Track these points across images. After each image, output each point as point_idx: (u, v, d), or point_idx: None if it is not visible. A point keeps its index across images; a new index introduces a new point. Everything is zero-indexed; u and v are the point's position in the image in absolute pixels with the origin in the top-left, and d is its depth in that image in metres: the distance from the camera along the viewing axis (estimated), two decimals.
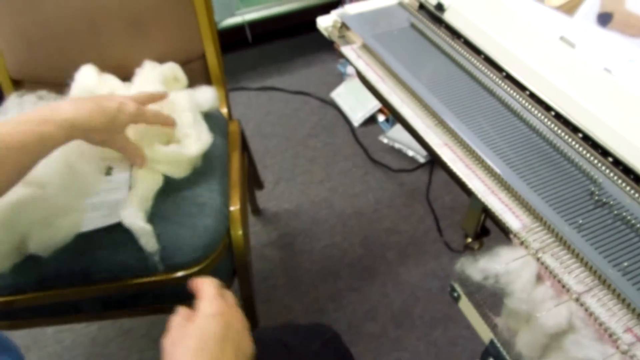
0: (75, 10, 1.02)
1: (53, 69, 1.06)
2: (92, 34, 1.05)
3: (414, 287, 1.36)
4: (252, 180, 1.42)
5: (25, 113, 0.68)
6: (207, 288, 0.59)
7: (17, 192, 0.73)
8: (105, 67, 1.07)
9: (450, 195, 1.57)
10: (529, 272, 0.50)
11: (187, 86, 1.01)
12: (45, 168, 0.73)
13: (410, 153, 1.66)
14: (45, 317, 0.95)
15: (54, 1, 1.01)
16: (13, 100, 0.90)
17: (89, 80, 0.95)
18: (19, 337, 1.27)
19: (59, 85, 1.03)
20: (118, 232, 0.81)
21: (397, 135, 1.71)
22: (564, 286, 0.48)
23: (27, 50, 1.05)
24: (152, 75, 0.95)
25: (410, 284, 1.37)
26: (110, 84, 0.98)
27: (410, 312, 1.31)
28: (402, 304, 1.33)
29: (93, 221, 0.80)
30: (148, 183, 0.84)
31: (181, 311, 0.57)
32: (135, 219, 0.78)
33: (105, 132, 0.75)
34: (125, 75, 1.06)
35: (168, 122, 0.86)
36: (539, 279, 0.50)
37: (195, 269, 0.84)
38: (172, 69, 0.99)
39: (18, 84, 1.08)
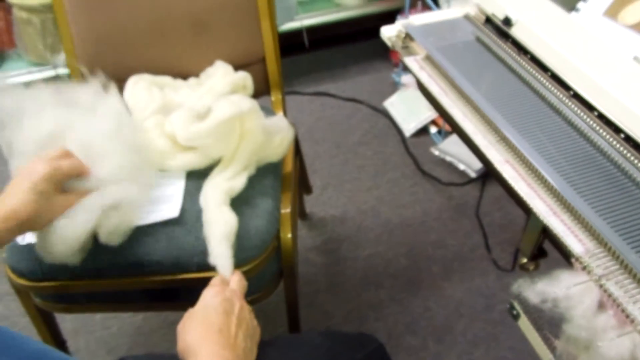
0: (144, 10, 1.05)
1: (119, 65, 1.10)
2: (158, 33, 1.08)
3: (457, 303, 1.33)
4: (301, 185, 1.43)
5: None
6: (210, 282, 0.73)
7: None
8: (167, 65, 1.10)
9: (501, 212, 1.53)
10: (591, 299, 0.49)
11: (251, 94, 1.04)
12: (112, 167, 0.76)
13: (462, 167, 1.64)
14: (96, 303, 0.98)
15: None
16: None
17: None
18: (70, 320, 1.32)
19: (123, 80, 1.07)
20: (174, 227, 0.83)
21: (448, 148, 1.69)
22: (628, 316, 0.46)
23: (96, 44, 1.09)
24: (223, 82, 0.98)
25: (454, 299, 1.34)
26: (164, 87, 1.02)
27: (453, 328, 1.29)
28: (445, 319, 1.31)
29: (151, 215, 0.82)
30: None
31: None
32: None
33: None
34: (187, 74, 1.09)
35: (83, 171, 0.77)
36: (601, 306, 0.49)
37: (244, 268, 0.85)
38: (244, 79, 1.02)
39: (84, 76, 1.12)
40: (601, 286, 0.48)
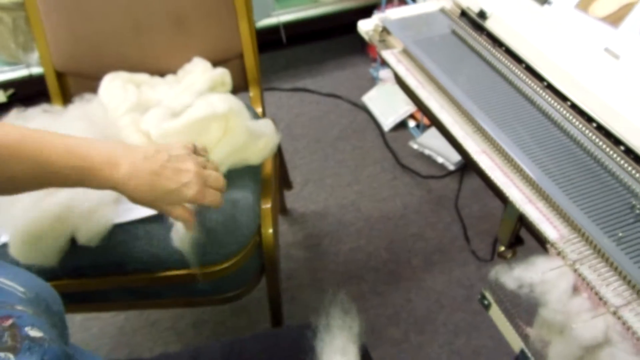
0: (120, 8, 1.04)
1: (96, 63, 1.09)
2: (135, 31, 1.07)
3: (438, 295, 1.35)
4: (281, 180, 1.44)
5: (91, 141, 0.63)
6: None
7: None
8: (144, 62, 1.09)
9: (479, 204, 1.55)
10: (566, 283, 0.50)
11: (230, 90, 1.04)
12: None
13: (440, 160, 1.66)
14: (76, 304, 0.97)
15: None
16: (15, 115, 0.88)
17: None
18: None
19: (99, 78, 1.06)
20: (153, 225, 0.82)
21: (427, 142, 1.70)
22: (601, 299, 0.48)
23: (72, 45, 1.08)
24: (202, 79, 0.97)
25: (434, 291, 1.36)
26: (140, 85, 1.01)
27: (434, 320, 1.30)
28: (426, 310, 1.32)
29: (130, 213, 0.81)
30: None
31: None
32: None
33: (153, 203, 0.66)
34: (164, 71, 1.08)
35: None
36: (576, 290, 0.50)
37: (226, 264, 0.85)
38: (223, 75, 1.02)
39: (61, 77, 1.11)
40: (575, 270, 0.50)
